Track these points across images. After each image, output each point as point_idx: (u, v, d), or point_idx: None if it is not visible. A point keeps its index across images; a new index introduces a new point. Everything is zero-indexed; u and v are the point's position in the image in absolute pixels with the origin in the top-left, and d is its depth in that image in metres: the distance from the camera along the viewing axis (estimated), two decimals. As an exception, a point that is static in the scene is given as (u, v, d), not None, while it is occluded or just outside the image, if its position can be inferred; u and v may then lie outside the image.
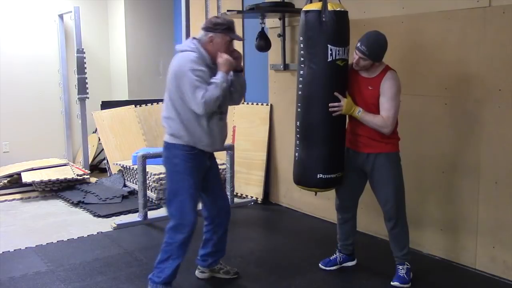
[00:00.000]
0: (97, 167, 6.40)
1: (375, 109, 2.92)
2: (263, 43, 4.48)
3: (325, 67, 2.92)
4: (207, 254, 3.10)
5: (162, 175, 4.78)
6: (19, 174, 5.32)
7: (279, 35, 4.55)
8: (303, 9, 3.00)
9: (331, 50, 2.90)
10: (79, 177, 5.35)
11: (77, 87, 5.85)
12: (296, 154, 3.14)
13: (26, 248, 3.70)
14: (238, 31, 5.10)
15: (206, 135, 2.79)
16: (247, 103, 5.11)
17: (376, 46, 2.86)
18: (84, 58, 5.80)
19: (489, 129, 3.10)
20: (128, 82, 6.45)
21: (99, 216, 4.48)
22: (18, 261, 3.45)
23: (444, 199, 3.39)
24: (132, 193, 5.11)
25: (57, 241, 3.85)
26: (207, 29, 2.79)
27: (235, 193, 4.86)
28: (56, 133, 6.33)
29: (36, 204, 4.90)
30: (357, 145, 3.05)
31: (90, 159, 6.08)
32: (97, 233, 4.05)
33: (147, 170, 4.48)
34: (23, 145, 6.03)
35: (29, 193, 5.23)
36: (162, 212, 4.57)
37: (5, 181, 5.37)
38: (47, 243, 3.80)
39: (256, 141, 4.95)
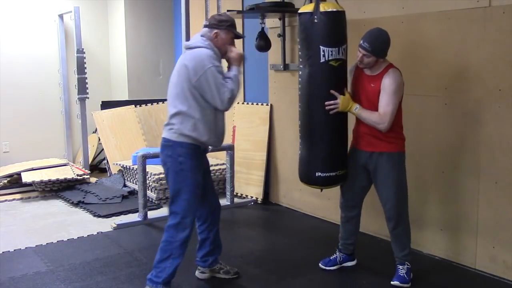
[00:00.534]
0: (97, 167, 6.40)
1: (377, 106, 2.92)
2: (263, 43, 4.48)
3: (320, 68, 2.96)
4: (206, 253, 3.10)
5: (162, 175, 4.77)
6: (19, 174, 5.32)
7: (279, 35, 4.55)
8: (299, 11, 3.03)
9: (323, 51, 2.92)
10: (79, 177, 5.35)
11: (77, 87, 5.85)
12: (299, 152, 3.19)
13: (26, 248, 3.70)
14: (238, 31, 5.13)
15: (218, 130, 2.86)
16: (247, 103, 5.11)
17: (378, 42, 2.88)
18: (84, 58, 5.80)
19: (489, 129, 3.10)
20: (128, 82, 6.45)
21: (99, 216, 4.48)
22: (18, 261, 3.45)
23: (444, 199, 3.39)
24: (132, 193, 5.11)
25: (57, 241, 3.85)
26: (211, 26, 2.82)
27: (235, 193, 4.86)
28: (56, 133, 6.33)
29: (36, 204, 4.90)
30: (360, 143, 3.06)
31: (90, 159, 6.08)
32: (97, 233, 4.05)
33: (147, 170, 4.48)
34: (23, 145, 6.03)
35: (29, 193, 5.23)
36: (162, 212, 4.57)
37: (5, 181, 5.37)
38: (47, 243, 3.80)
39: (256, 141, 4.95)
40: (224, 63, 2.86)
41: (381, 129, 2.90)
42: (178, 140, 2.78)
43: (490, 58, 3.05)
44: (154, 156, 4.40)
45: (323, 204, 4.28)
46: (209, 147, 2.95)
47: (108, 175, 5.80)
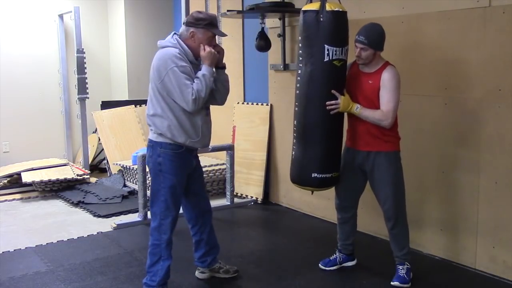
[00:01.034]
0: (97, 167, 6.40)
1: (376, 103, 2.93)
2: (263, 43, 4.48)
3: (322, 67, 2.93)
4: (203, 254, 3.10)
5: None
6: (19, 174, 5.32)
7: (279, 35, 4.55)
8: (302, 9, 3.01)
9: (328, 50, 2.90)
10: (79, 177, 5.35)
11: (77, 87, 5.85)
12: (293, 153, 3.15)
13: (26, 248, 3.70)
14: (238, 31, 5.13)
15: (196, 131, 2.77)
16: (247, 103, 5.11)
17: (373, 33, 2.90)
18: (84, 58, 5.80)
19: (489, 129, 3.10)
20: (128, 82, 6.45)
21: (99, 216, 4.48)
22: (18, 261, 3.45)
23: (444, 199, 3.39)
24: (132, 193, 5.11)
25: (57, 241, 3.85)
26: (188, 24, 2.75)
27: (235, 193, 4.86)
28: (56, 133, 6.34)
29: (36, 204, 4.90)
30: (356, 143, 3.05)
31: (90, 159, 6.08)
32: (97, 233, 4.05)
33: (147, 170, 4.47)
34: (23, 145, 6.03)
35: (29, 193, 5.23)
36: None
37: (5, 181, 5.37)
38: (47, 243, 3.80)
39: (256, 141, 4.95)
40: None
41: (385, 126, 2.90)
42: (157, 140, 2.76)
43: (490, 58, 3.05)
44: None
45: (323, 204, 4.28)
46: (195, 147, 2.87)
47: (108, 175, 5.80)
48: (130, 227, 4.17)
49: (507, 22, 2.95)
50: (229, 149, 4.65)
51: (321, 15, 2.90)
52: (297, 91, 3.07)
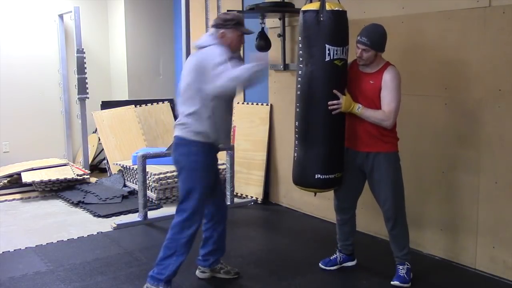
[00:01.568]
0: (97, 167, 6.40)
1: (377, 103, 2.93)
2: (263, 43, 4.48)
3: (323, 67, 2.93)
4: (208, 252, 3.10)
5: (162, 175, 4.78)
6: (19, 174, 5.32)
7: (279, 35, 4.55)
8: (302, 9, 3.01)
9: (328, 50, 2.90)
10: (79, 177, 5.35)
11: (77, 87, 5.85)
12: (295, 154, 3.14)
13: (26, 248, 3.70)
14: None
15: (226, 131, 2.89)
16: (247, 103, 5.11)
17: (375, 35, 2.90)
18: (84, 58, 5.80)
19: (489, 129, 3.10)
20: (128, 82, 6.44)
21: (99, 216, 4.48)
22: (18, 261, 3.45)
23: (444, 199, 3.39)
24: (132, 193, 5.11)
25: (57, 241, 3.85)
26: (217, 26, 2.85)
27: (235, 193, 4.86)
28: (56, 133, 6.33)
29: (36, 204, 4.90)
30: (355, 144, 3.05)
31: (90, 159, 6.08)
32: (97, 233, 4.05)
33: (147, 170, 4.48)
34: (23, 145, 6.03)
35: (29, 193, 5.23)
36: (162, 212, 4.57)
37: (5, 181, 5.37)
38: (47, 243, 3.80)
39: (256, 141, 4.95)
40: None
41: (386, 126, 2.90)
42: (193, 138, 2.79)
43: (490, 58, 3.06)
44: (154, 156, 4.41)
45: (323, 204, 4.28)
46: (220, 146, 2.96)
47: (108, 175, 5.80)
48: (130, 227, 4.17)
49: (507, 22, 2.95)
50: (229, 149, 4.65)
51: (321, 15, 2.90)
52: (298, 92, 3.06)
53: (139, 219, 4.29)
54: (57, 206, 4.82)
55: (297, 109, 3.08)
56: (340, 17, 2.94)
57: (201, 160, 2.82)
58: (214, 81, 2.65)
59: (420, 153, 3.48)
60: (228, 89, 2.70)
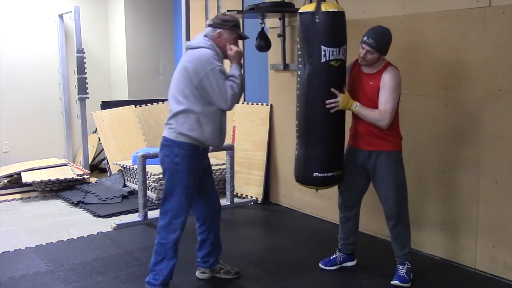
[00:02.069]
0: (97, 167, 6.40)
1: (376, 104, 2.93)
2: (263, 43, 4.48)
3: (319, 68, 2.95)
4: (206, 254, 3.10)
5: (162, 175, 4.77)
6: (19, 174, 5.32)
7: (279, 35, 4.55)
8: (299, 11, 3.03)
9: (324, 51, 2.91)
10: (79, 177, 5.35)
11: (77, 87, 5.85)
12: (296, 152, 3.17)
13: (26, 248, 3.70)
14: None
15: (219, 131, 2.84)
16: (247, 103, 5.11)
17: (383, 38, 2.90)
18: (84, 58, 5.80)
19: (489, 129, 3.10)
20: (128, 82, 6.44)
21: (99, 216, 4.48)
22: (18, 261, 3.45)
23: (444, 199, 3.39)
24: (132, 193, 5.11)
25: (57, 241, 3.85)
26: (215, 25, 2.82)
27: (235, 193, 4.86)
28: (56, 133, 6.34)
29: (36, 204, 4.90)
30: (358, 142, 3.06)
31: (90, 159, 6.08)
32: (97, 233, 4.05)
33: (147, 170, 4.48)
34: (23, 145, 6.03)
35: (29, 193, 5.23)
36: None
37: (5, 181, 5.37)
38: (47, 243, 3.80)
39: (256, 141, 4.95)
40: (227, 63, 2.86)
41: (382, 126, 2.91)
42: (176, 139, 2.77)
43: (490, 58, 3.06)
44: (154, 156, 4.39)
45: (323, 204, 4.28)
46: (210, 147, 2.93)
47: (108, 175, 5.80)
48: (130, 227, 4.17)
49: (507, 22, 2.95)
50: (229, 149, 4.65)
51: (316, 16, 2.91)
52: (298, 92, 3.09)
53: (139, 219, 4.29)
54: (57, 206, 4.82)
55: (297, 109, 3.11)
56: (336, 18, 2.95)
57: (183, 162, 2.77)
58: (221, 99, 2.72)
59: (420, 153, 3.48)
60: (235, 102, 2.78)
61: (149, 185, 4.79)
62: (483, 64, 3.10)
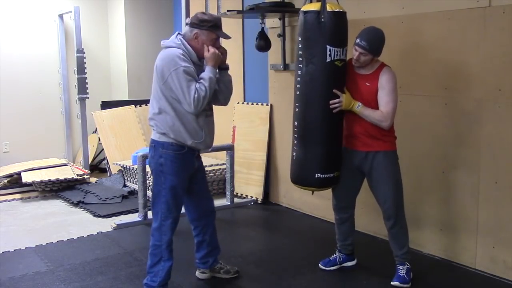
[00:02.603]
0: (97, 167, 6.40)
1: (373, 105, 2.93)
2: (263, 43, 4.48)
3: (324, 67, 2.93)
4: (205, 255, 3.10)
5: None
6: (19, 174, 5.32)
7: (279, 35, 4.55)
8: (302, 10, 2.99)
9: (330, 51, 2.90)
10: (79, 177, 5.35)
11: (77, 87, 5.85)
12: (294, 154, 3.14)
13: (26, 248, 3.70)
14: (238, 31, 5.13)
15: (199, 132, 2.74)
16: (247, 103, 5.11)
17: (376, 40, 2.89)
18: (84, 58, 5.80)
19: (489, 129, 3.10)
20: (128, 82, 6.45)
21: (99, 216, 4.48)
22: (18, 261, 3.45)
23: (444, 199, 3.39)
24: (132, 193, 5.11)
25: (57, 241, 3.85)
26: (192, 25, 2.74)
27: (235, 193, 4.86)
28: (56, 133, 6.34)
29: (36, 204, 4.90)
30: (354, 143, 3.04)
31: (90, 159, 6.08)
32: (97, 233, 4.05)
33: (147, 170, 4.47)
34: (23, 145, 6.03)
35: (29, 193, 5.23)
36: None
37: (5, 181, 5.37)
38: (47, 243, 3.80)
39: (256, 141, 4.95)
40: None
41: (384, 127, 2.91)
42: (160, 140, 2.74)
43: (490, 58, 3.05)
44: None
45: (323, 204, 4.28)
46: (198, 148, 2.84)
47: (108, 175, 5.80)
48: (130, 227, 4.17)
49: (507, 22, 2.95)
50: (229, 149, 4.65)
51: (322, 16, 2.90)
52: (297, 92, 3.05)
53: (139, 219, 4.29)
54: (57, 206, 4.82)
55: (296, 109, 3.08)
56: (340, 18, 2.94)
57: (167, 163, 2.72)
58: (185, 101, 2.62)
59: (420, 153, 3.48)
60: (200, 106, 2.65)
61: (149, 185, 4.78)
62: (483, 64, 3.10)
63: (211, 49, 2.72)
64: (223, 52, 2.83)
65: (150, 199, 2.85)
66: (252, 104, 5.05)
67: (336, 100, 2.95)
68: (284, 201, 4.80)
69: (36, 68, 6.15)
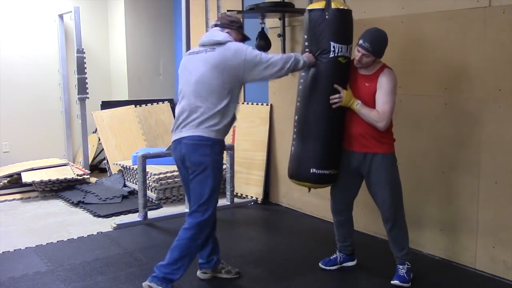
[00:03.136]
0: (97, 167, 6.41)
1: (371, 106, 2.93)
2: (263, 43, 4.47)
3: (327, 63, 2.94)
4: (209, 253, 3.08)
5: (162, 175, 4.78)
6: (19, 174, 5.33)
7: (279, 35, 4.55)
8: (307, 8, 3.03)
9: (333, 47, 2.92)
10: (79, 177, 5.35)
11: (77, 87, 5.85)
12: (292, 148, 3.15)
13: (26, 248, 3.70)
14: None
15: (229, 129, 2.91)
16: (247, 103, 5.11)
17: (379, 42, 2.90)
18: (84, 58, 5.80)
19: (489, 129, 3.10)
20: (128, 82, 6.45)
21: (99, 216, 4.48)
22: (18, 261, 3.45)
23: (444, 199, 3.39)
24: (132, 193, 5.11)
25: (57, 241, 3.85)
26: (223, 25, 2.89)
27: (235, 193, 4.86)
28: (56, 133, 6.34)
29: (36, 204, 4.90)
30: (353, 145, 3.04)
31: (90, 159, 6.08)
32: (97, 233, 4.05)
33: (147, 170, 4.48)
34: (23, 145, 6.03)
35: (29, 193, 5.23)
36: (162, 212, 4.58)
37: (5, 181, 5.37)
38: (47, 243, 3.80)
39: (256, 141, 4.95)
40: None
41: (379, 128, 2.90)
42: (217, 137, 2.78)
43: (490, 58, 3.06)
44: (154, 156, 4.41)
45: (323, 204, 4.28)
46: None
47: (108, 175, 5.81)
48: (130, 227, 4.17)
49: (507, 22, 2.95)
50: (229, 149, 4.65)
51: (326, 13, 2.91)
52: (300, 86, 3.08)
53: (139, 219, 4.29)
54: (57, 206, 4.82)
55: (298, 103, 3.10)
56: (345, 15, 2.97)
57: (221, 160, 2.86)
58: (267, 69, 2.76)
59: (420, 153, 3.48)
60: (287, 68, 2.83)
61: (149, 185, 4.79)
62: (483, 64, 3.10)
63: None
64: None
65: (201, 195, 2.78)
66: (252, 104, 5.06)
67: (336, 96, 2.95)
68: (284, 201, 4.80)
69: (36, 68, 6.15)
